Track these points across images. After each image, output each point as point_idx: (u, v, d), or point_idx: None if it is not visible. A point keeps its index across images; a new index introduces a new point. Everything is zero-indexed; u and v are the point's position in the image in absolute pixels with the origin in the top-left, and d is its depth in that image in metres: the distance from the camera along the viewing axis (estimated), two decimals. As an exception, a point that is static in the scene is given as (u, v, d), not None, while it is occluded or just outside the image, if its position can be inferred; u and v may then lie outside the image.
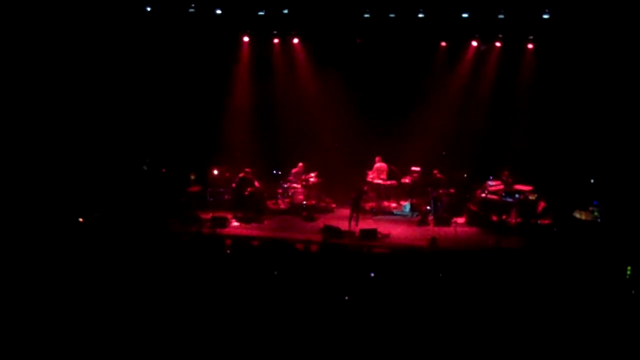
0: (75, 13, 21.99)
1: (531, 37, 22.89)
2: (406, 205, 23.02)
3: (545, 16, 21.56)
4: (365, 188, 23.31)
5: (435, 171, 22.80)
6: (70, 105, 22.49)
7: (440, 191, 22.28)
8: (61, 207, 19.92)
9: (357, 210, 20.95)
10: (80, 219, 19.59)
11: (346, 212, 21.28)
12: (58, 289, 14.00)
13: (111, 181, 22.14)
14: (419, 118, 23.74)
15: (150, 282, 14.63)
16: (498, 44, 23.42)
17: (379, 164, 23.70)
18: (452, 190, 22.41)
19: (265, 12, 23.22)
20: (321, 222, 21.10)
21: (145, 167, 23.71)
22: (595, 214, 20.13)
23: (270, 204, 23.35)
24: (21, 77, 21.78)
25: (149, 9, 23.23)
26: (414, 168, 23.66)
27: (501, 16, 21.96)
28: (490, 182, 22.10)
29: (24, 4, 21.41)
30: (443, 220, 21.52)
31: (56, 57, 22.14)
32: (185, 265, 15.65)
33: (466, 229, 21.25)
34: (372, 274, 15.02)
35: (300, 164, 23.78)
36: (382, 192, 23.64)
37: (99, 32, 22.54)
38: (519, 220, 21.00)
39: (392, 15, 22.66)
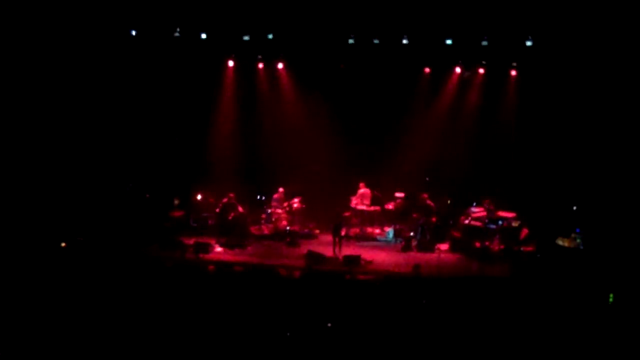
0: (59, 37, 21.93)
1: (514, 64, 23.03)
2: (390, 231, 22.98)
3: (528, 43, 21.69)
4: (349, 214, 23.29)
5: (425, 196, 22.77)
6: (54, 129, 22.39)
7: (433, 219, 22.26)
8: (44, 232, 19.81)
9: (340, 237, 20.87)
10: (63, 244, 19.49)
11: (330, 238, 21.19)
12: (41, 312, 13.94)
13: (94, 206, 22.02)
14: (403, 144, 23.87)
15: (133, 307, 14.58)
16: (481, 71, 23.54)
17: (363, 190, 23.67)
18: (433, 219, 22.35)
19: (250, 37, 23.23)
20: (305, 247, 21.00)
21: (127, 192, 23.55)
22: (578, 240, 20.18)
23: (254, 229, 23.24)
24: (7, 100, 21.70)
25: (133, 32, 23.18)
26: (397, 194, 23.67)
27: (484, 43, 22.08)
28: (473, 209, 22.12)
29: (9, 28, 21.35)
30: (426, 246, 21.49)
31: (40, 80, 22.06)
32: (168, 291, 15.61)
33: (450, 255, 21.20)
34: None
35: (281, 189, 23.75)
36: (366, 218, 23.60)
37: (83, 56, 22.50)
38: (502, 247, 21.01)
39: (376, 41, 22.73)
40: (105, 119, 23.38)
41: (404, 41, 22.49)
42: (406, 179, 23.79)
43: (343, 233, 21.39)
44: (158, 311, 14.47)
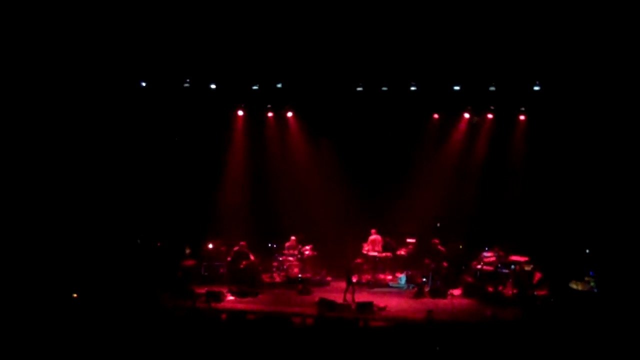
0: (72, 88, 22.15)
1: (522, 109, 23.16)
2: (402, 277, 22.92)
3: (536, 88, 21.85)
4: (360, 260, 23.30)
5: (436, 241, 22.75)
6: (67, 179, 22.48)
7: (444, 264, 22.23)
8: (55, 283, 19.80)
9: (352, 284, 20.79)
10: (74, 295, 19.47)
11: (342, 284, 21.13)
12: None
13: (106, 256, 22.02)
14: (413, 189, 23.90)
15: (146, 356, 14.53)
16: (490, 116, 23.68)
17: (374, 236, 23.67)
18: (444, 264, 22.32)
19: (259, 87, 23.46)
20: (317, 295, 20.91)
21: (139, 242, 23.58)
22: (592, 284, 20.09)
23: (265, 277, 23.22)
24: (20, 154, 21.86)
25: (143, 84, 23.41)
26: (409, 240, 23.73)
27: (492, 88, 22.26)
28: (485, 254, 22.10)
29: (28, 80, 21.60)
30: (439, 292, 21.41)
31: (53, 131, 22.22)
32: (180, 340, 15.55)
33: (462, 300, 21.11)
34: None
35: (293, 237, 23.82)
36: (378, 265, 23.55)
37: (95, 107, 22.68)
38: (515, 291, 20.93)
39: (384, 89, 22.90)
40: (117, 170, 23.48)
41: (412, 88, 22.68)
42: (417, 225, 23.82)
43: (355, 280, 21.33)
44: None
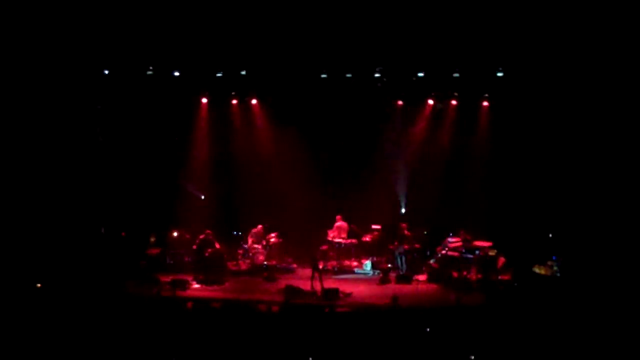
0: (30, 75, 21.82)
1: (486, 95, 23.30)
2: (367, 263, 23.02)
3: (499, 74, 21.99)
4: (326, 247, 23.35)
5: (404, 226, 22.87)
6: (27, 169, 22.18)
7: (406, 247, 22.35)
8: (18, 272, 19.61)
9: (318, 271, 20.77)
10: (39, 284, 19.31)
11: (308, 272, 21.14)
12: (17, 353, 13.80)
13: (69, 245, 21.82)
14: (378, 176, 23.99)
15: (110, 345, 14.46)
16: (454, 102, 23.78)
17: (340, 223, 23.73)
18: (417, 246, 22.49)
19: (223, 74, 23.34)
20: (283, 282, 20.94)
21: (103, 231, 23.38)
22: (555, 268, 20.30)
23: (231, 265, 23.20)
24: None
25: (106, 72, 23.17)
26: (374, 226, 23.80)
27: (456, 75, 22.34)
28: (450, 239, 22.24)
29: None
30: (404, 278, 21.53)
31: (11, 118, 21.90)
32: (145, 328, 15.49)
33: (427, 286, 21.26)
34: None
35: (260, 226, 23.77)
36: (343, 251, 23.61)
37: (56, 95, 22.38)
38: (479, 276, 21.12)
39: (348, 75, 22.91)
40: (79, 159, 23.21)
41: (376, 75, 22.73)
42: (383, 211, 23.91)
43: (321, 266, 21.36)
44: (136, 349, 14.35)
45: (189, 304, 18.60)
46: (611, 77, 20.62)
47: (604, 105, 20.98)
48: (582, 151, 21.59)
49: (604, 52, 20.33)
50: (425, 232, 23.58)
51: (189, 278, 21.26)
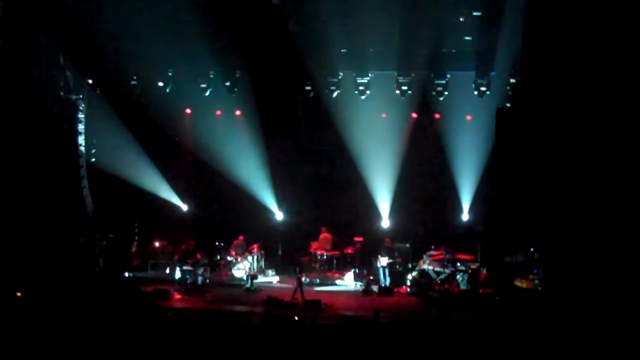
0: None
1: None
2: (349, 275, 23.04)
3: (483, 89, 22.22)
4: (307, 259, 23.36)
5: (388, 240, 22.93)
6: (12, 179, 22.07)
7: (399, 260, 22.41)
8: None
9: (300, 282, 20.78)
10: (18, 294, 19.19)
11: (290, 283, 21.14)
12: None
13: (49, 255, 21.69)
14: (363, 189, 24.03)
15: (89, 356, 14.39)
16: (437, 115, 23.91)
17: (324, 235, 23.77)
18: (399, 260, 22.53)
19: (208, 85, 23.39)
20: (264, 293, 20.92)
21: (83, 240, 23.25)
22: (536, 282, 20.36)
23: (212, 276, 23.16)
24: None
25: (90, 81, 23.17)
26: (356, 239, 23.83)
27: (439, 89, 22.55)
28: (431, 252, 22.28)
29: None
30: (387, 290, 21.55)
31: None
32: (126, 339, 15.42)
33: (409, 298, 21.29)
34: None
35: (241, 237, 23.80)
36: (325, 263, 23.63)
37: (44, 105, 22.34)
38: (461, 289, 21.16)
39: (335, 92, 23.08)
40: (61, 168, 23.11)
41: (360, 87, 22.86)
42: (366, 224, 24.00)
43: (303, 278, 21.35)
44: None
45: (170, 314, 18.56)
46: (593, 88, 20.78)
47: (583, 114, 21.13)
48: (564, 163, 21.66)
49: (605, 54, 20.44)
50: (408, 245, 23.59)
51: (171, 288, 21.20)
